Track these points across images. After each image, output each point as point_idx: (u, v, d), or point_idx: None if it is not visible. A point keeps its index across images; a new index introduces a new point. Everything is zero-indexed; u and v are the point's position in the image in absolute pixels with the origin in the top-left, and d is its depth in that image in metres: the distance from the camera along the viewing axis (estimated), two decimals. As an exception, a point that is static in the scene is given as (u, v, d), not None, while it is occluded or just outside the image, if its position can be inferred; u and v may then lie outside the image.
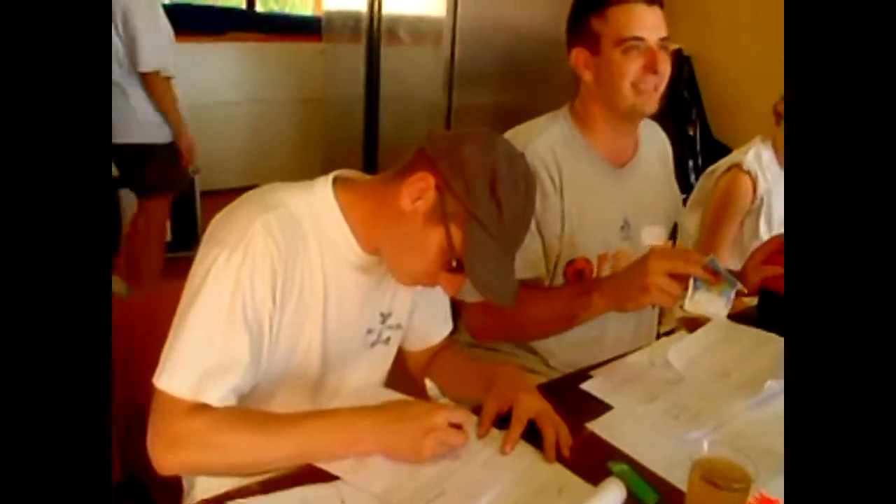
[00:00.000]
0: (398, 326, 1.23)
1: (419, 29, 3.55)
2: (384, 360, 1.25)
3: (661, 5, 1.39)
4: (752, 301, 1.66)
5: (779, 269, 1.52)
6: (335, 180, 1.10)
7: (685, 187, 2.14)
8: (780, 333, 1.48)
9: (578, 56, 1.42)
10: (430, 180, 1.02)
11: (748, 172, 1.96)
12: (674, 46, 3.73)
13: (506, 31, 3.51)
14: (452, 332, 1.37)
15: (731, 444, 1.10)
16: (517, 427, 1.07)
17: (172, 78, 2.90)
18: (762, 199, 1.98)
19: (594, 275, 1.46)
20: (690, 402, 1.23)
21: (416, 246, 1.05)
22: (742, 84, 3.40)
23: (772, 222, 2.02)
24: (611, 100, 1.40)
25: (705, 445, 0.96)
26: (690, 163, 3.33)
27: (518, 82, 3.61)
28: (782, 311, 1.48)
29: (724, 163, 2.04)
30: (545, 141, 1.42)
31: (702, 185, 2.11)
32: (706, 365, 1.35)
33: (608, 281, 1.31)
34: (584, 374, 1.31)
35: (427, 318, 1.30)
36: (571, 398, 1.23)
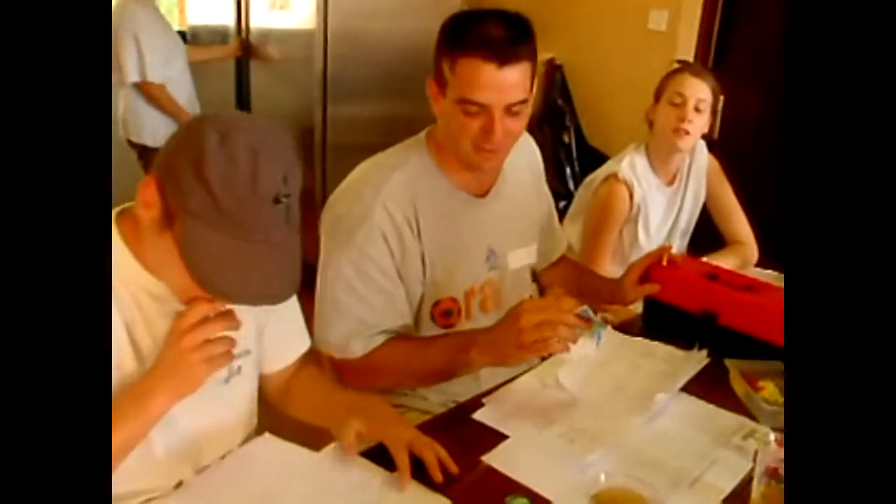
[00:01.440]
0: (247, 352, 1.14)
1: (289, 42, 3.45)
2: (244, 391, 1.16)
3: (529, 56, 1.23)
4: (637, 308, 1.68)
5: (656, 287, 1.54)
6: (120, 212, 1.00)
7: (564, 195, 2.16)
8: (664, 340, 1.51)
9: (431, 87, 1.31)
10: (153, 184, 0.91)
11: (624, 182, 1.99)
12: (547, 56, 3.80)
13: (379, 42, 3.47)
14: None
15: (629, 463, 1.11)
16: (402, 456, 1.03)
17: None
18: (639, 207, 2.02)
19: (462, 313, 1.42)
20: (586, 423, 1.21)
21: (164, 260, 0.93)
22: (613, 91, 3.48)
23: (649, 229, 2.06)
24: (454, 148, 1.32)
25: (602, 477, 0.94)
26: (568, 170, 3.38)
27: (395, 93, 3.57)
28: (666, 318, 1.54)
29: (601, 172, 2.06)
30: (402, 178, 1.32)
31: (581, 195, 2.13)
32: (598, 382, 1.34)
33: (484, 337, 1.23)
34: (476, 402, 1.26)
35: (279, 336, 1.22)
36: (464, 431, 1.19)
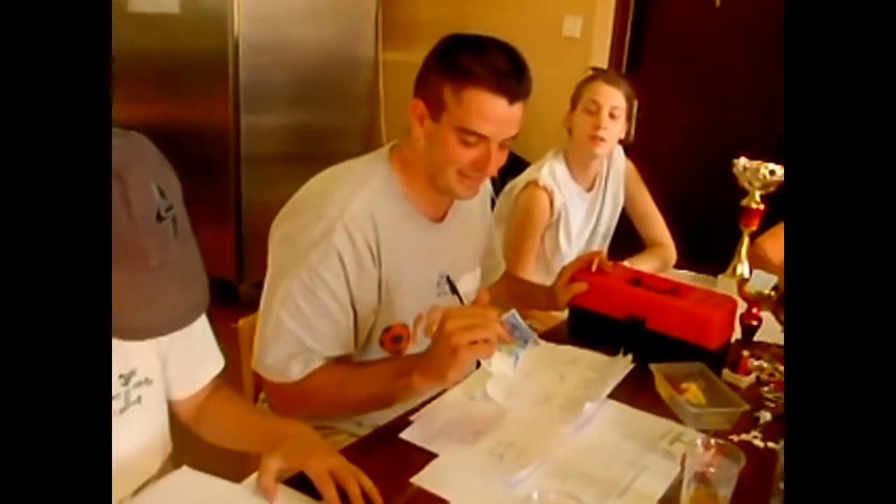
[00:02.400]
0: (147, 382, 1.08)
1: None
2: (147, 422, 1.10)
3: (525, 99, 1.27)
4: (563, 315, 1.69)
5: (584, 286, 1.55)
6: None
7: (491, 192, 2.17)
8: (590, 347, 1.52)
9: (417, 107, 1.28)
10: None
11: (544, 188, 2.00)
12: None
13: (293, 51, 3.41)
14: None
15: (558, 476, 1.10)
16: (327, 489, 0.98)
17: None
18: (560, 213, 2.03)
19: (411, 338, 1.38)
20: (515, 436, 1.19)
21: None
22: (531, 98, 3.49)
23: (570, 235, 2.08)
24: (433, 172, 1.31)
25: (535, 496, 0.92)
26: (506, 188, 3.34)
27: (311, 101, 3.51)
28: (591, 325, 1.55)
29: (521, 179, 2.07)
30: (365, 199, 1.27)
31: (502, 202, 2.13)
32: (526, 393, 1.33)
33: (423, 358, 1.19)
34: (404, 420, 1.23)
35: (187, 358, 1.15)
36: (392, 451, 1.15)
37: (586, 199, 2.12)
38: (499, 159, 1.28)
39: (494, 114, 1.23)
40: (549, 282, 1.69)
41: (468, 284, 1.49)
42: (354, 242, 1.25)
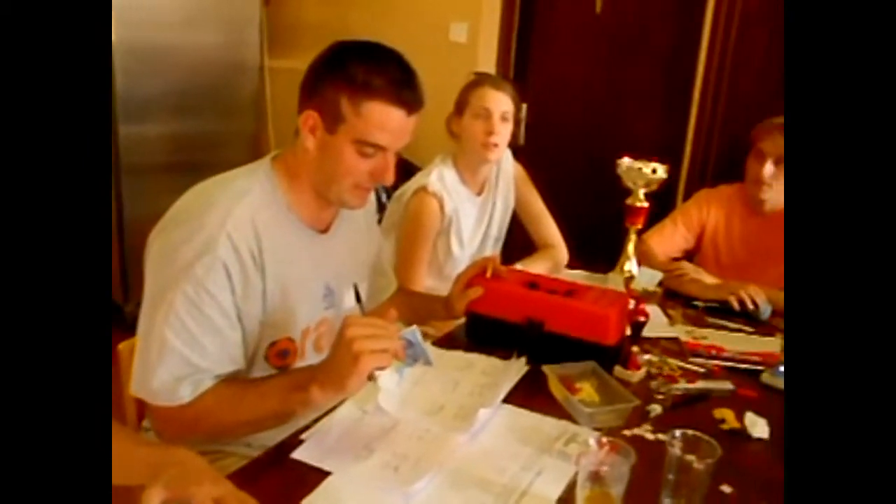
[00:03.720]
0: None
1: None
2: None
3: (421, 108, 1.27)
4: (459, 321, 1.68)
5: (480, 291, 1.55)
6: None
7: (376, 209, 2.14)
8: (486, 352, 1.52)
9: (308, 119, 1.24)
10: None
11: (434, 194, 1.99)
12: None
13: (174, 57, 3.28)
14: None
15: (455, 485, 1.08)
16: None
17: None
18: (451, 219, 2.03)
19: (298, 353, 1.34)
20: (409, 448, 1.17)
21: None
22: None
23: (462, 239, 2.08)
24: (324, 184, 1.28)
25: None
26: (396, 195, 3.32)
27: (195, 109, 3.40)
28: (488, 329, 1.55)
29: (410, 185, 2.06)
30: (247, 208, 1.22)
31: (392, 209, 2.11)
32: (418, 402, 1.31)
33: (320, 369, 1.15)
34: (295, 439, 1.18)
35: None
36: (284, 472, 1.10)
37: (477, 204, 2.12)
38: (392, 170, 1.28)
39: (394, 125, 1.23)
40: (442, 287, 1.68)
41: (354, 298, 1.45)
42: (239, 253, 1.19)
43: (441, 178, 2.02)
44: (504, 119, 1.98)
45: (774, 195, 2.08)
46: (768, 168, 2.04)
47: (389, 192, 2.14)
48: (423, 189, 2.00)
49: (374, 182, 1.28)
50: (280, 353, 1.31)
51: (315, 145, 1.26)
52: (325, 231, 1.37)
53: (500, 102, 1.97)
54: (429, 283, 1.99)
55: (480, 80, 2.05)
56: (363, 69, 1.21)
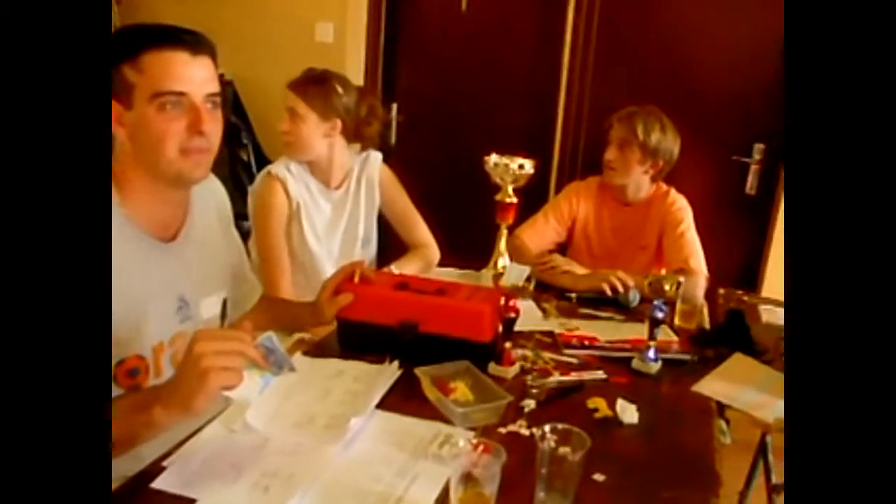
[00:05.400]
0: None
1: None
2: None
3: (213, 56, 1.23)
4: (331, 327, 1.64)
5: (350, 297, 1.51)
6: None
7: (247, 215, 2.09)
8: (360, 358, 1.49)
9: (112, 110, 1.19)
10: None
11: (277, 177, 2.03)
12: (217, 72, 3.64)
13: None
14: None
15: (329, 498, 1.05)
16: None
17: None
18: (298, 204, 2.05)
19: (151, 370, 1.26)
20: (280, 464, 1.13)
21: None
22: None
23: (317, 232, 2.11)
24: (152, 164, 1.21)
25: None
26: (250, 188, 3.23)
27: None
28: (361, 334, 1.52)
29: (259, 176, 2.11)
30: None
31: (249, 203, 2.12)
32: (288, 416, 1.27)
33: (165, 388, 1.08)
34: (157, 466, 1.11)
35: None
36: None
37: (331, 198, 2.12)
38: (214, 121, 1.23)
39: (179, 68, 1.18)
40: (308, 287, 1.64)
41: (213, 308, 1.39)
42: None
43: (287, 166, 2.07)
44: (294, 115, 2.03)
45: (623, 179, 2.26)
46: (611, 151, 2.25)
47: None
48: (267, 174, 2.05)
49: (197, 139, 1.20)
50: (129, 373, 1.23)
51: (126, 134, 1.21)
52: (172, 239, 1.30)
53: (290, 100, 2.03)
54: (296, 278, 2.00)
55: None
56: (132, 36, 1.20)
